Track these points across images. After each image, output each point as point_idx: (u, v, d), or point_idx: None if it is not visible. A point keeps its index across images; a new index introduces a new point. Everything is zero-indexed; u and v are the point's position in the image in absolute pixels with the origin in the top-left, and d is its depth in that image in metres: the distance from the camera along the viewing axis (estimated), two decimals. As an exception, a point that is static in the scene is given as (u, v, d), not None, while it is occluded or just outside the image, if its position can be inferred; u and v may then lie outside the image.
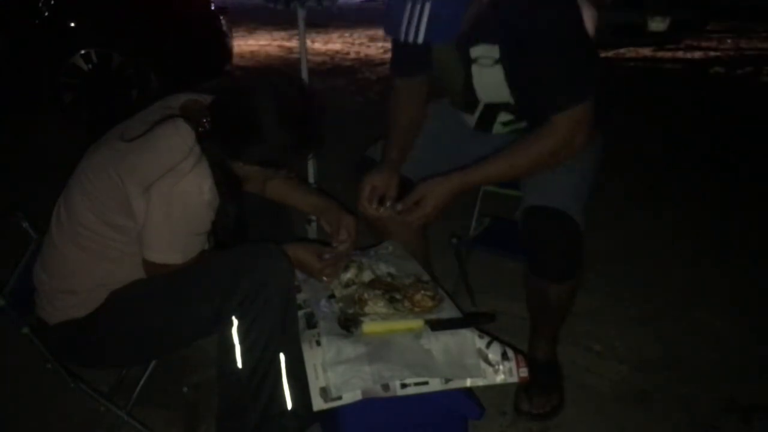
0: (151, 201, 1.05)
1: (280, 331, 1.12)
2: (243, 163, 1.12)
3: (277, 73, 1.21)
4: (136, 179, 1.05)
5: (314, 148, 1.18)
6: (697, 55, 6.70)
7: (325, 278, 1.26)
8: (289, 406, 1.13)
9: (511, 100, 1.30)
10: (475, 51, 1.25)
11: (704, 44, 7.12)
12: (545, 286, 1.31)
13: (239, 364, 1.10)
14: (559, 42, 1.15)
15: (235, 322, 1.09)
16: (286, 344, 1.13)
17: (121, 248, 1.11)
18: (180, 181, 1.04)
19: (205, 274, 1.12)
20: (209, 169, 1.07)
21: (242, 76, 1.17)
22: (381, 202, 1.32)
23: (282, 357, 1.12)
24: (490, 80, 1.28)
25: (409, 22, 1.08)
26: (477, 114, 1.36)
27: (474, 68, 1.27)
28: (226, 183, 1.11)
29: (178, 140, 1.06)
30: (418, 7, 1.07)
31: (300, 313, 1.21)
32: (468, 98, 1.35)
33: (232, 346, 1.10)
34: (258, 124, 1.07)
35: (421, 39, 1.09)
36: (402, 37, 1.10)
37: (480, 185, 1.27)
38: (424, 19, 1.07)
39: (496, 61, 1.24)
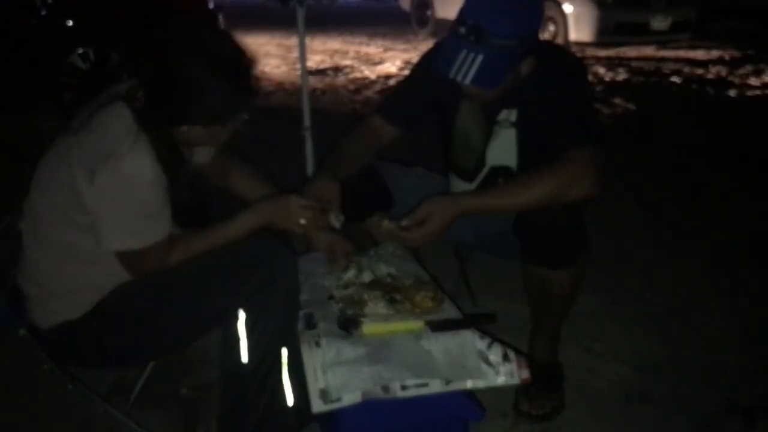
0: (96, 190, 1.01)
1: (284, 326, 1.12)
2: (186, 127, 1.06)
3: (197, 24, 1.13)
4: (81, 170, 1.01)
5: (253, 94, 1.11)
6: (699, 54, 6.69)
7: (302, 221, 1.19)
8: (290, 402, 1.13)
9: (514, 166, 1.36)
10: (500, 115, 1.35)
11: (706, 43, 7.12)
12: (546, 274, 1.29)
13: (244, 358, 1.10)
14: (579, 97, 1.29)
15: (242, 316, 1.09)
16: (289, 340, 1.13)
17: (91, 248, 1.07)
18: (119, 165, 1.00)
19: (212, 271, 1.11)
20: (149, 145, 1.02)
21: (162, 35, 1.07)
22: (322, 211, 1.31)
23: (284, 352, 1.12)
24: (501, 142, 1.36)
25: (462, 65, 1.18)
26: (478, 180, 1.41)
27: (494, 128, 1.36)
28: (172, 157, 1.07)
29: (114, 122, 1.03)
30: (472, 55, 1.17)
31: (299, 313, 1.21)
32: (477, 161, 1.40)
33: (238, 340, 1.09)
34: (189, 80, 1.01)
35: (468, 80, 1.18)
36: (452, 74, 1.19)
37: (486, 213, 1.27)
38: (476, 66, 1.17)
39: (512, 124, 1.33)
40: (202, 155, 1.27)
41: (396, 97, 1.54)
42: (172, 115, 1.05)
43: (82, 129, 1.04)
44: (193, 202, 1.15)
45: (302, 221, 1.19)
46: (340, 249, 1.34)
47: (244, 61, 1.07)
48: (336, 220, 1.30)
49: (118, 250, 1.07)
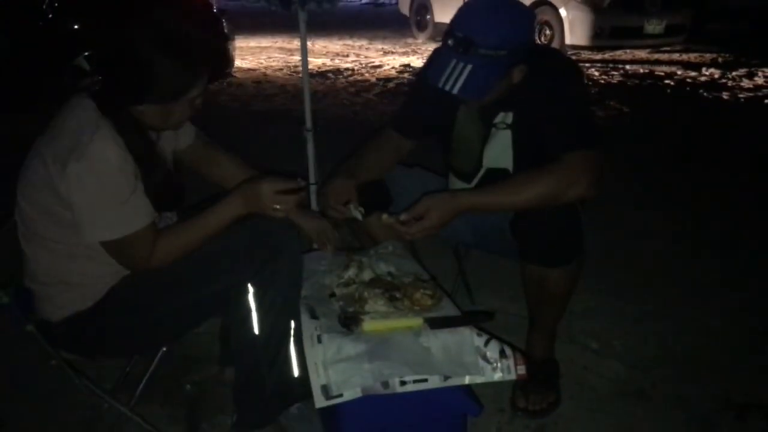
0: (68, 183, 1.01)
1: (290, 297, 1.16)
2: (141, 107, 1.05)
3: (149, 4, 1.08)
4: (54, 166, 1.02)
5: (203, 70, 1.08)
6: (693, 57, 6.73)
7: (277, 206, 1.15)
8: (296, 373, 1.17)
9: (510, 168, 1.38)
10: (497, 117, 1.37)
11: (699, 46, 7.16)
12: (543, 273, 1.31)
13: (256, 330, 1.13)
14: (576, 99, 1.30)
15: (251, 289, 1.13)
16: (294, 311, 1.17)
17: (77, 243, 1.08)
18: (84, 154, 1.00)
19: (218, 249, 1.14)
20: (113, 132, 1.03)
21: (112, 16, 1.06)
22: (345, 204, 1.37)
23: (292, 324, 1.16)
24: (498, 143, 1.38)
25: (450, 75, 1.20)
26: (476, 181, 1.44)
27: (491, 131, 1.38)
28: (137, 141, 1.06)
29: (77, 113, 1.05)
30: (461, 65, 1.19)
31: (301, 300, 1.24)
32: (475, 162, 1.42)
33: (249, 311, 1.13)
34: (137, 58, 1.00)
35: (456, 91, 1.20)
36: (440, 84, 1.21)
37: (484, 210, 1.29)
38: (464, 76, 1.19)
39: (508, 126, 1.35)
40: (169, 140, 1.25)
41: (406, 110, 1.56)
42: (125, 95, 1.04)
43: (51, 127, 1.06)
44: (166, 187, 1.13)
45: (276, 206, 1.15)
46: (329, 235, 1.38)
47: (197, 37, 1.05)
48: (357, 211, 1.36)
49: (100, 241, 1.06)
